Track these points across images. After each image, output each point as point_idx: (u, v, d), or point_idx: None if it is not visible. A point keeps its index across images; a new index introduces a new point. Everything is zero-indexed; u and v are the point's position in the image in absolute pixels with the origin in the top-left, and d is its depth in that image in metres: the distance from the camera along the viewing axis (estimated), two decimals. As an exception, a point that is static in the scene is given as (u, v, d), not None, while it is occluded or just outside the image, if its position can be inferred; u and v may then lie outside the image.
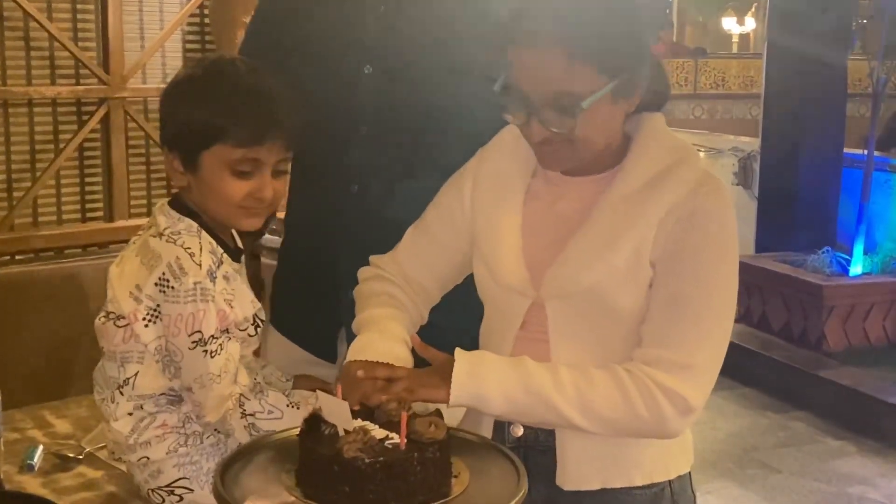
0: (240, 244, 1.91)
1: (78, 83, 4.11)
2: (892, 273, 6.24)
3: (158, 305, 1.74)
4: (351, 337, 1.81)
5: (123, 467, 1.91)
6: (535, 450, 1.69)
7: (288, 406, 1.80)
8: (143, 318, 1.76)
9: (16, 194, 3.98)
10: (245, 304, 1.83)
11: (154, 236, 1.78)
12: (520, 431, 1.71)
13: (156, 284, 1.74)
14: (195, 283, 1.73)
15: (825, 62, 6.54)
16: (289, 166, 1.85)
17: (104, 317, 1.81)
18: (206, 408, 1.77)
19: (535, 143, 1.62)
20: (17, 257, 3.94)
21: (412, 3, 2.01)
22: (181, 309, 1.72)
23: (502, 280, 1.70)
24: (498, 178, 1.75)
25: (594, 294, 1.62)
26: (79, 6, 4.04)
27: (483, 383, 1.59)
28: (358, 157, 2.02)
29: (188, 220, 1.80)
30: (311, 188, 2.11)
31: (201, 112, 1.76)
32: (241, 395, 1.78)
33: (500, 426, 1.72)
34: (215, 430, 1.82)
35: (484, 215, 1.75)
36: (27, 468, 1.95)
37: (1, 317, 2.57)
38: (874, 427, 5.13)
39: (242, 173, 1.77)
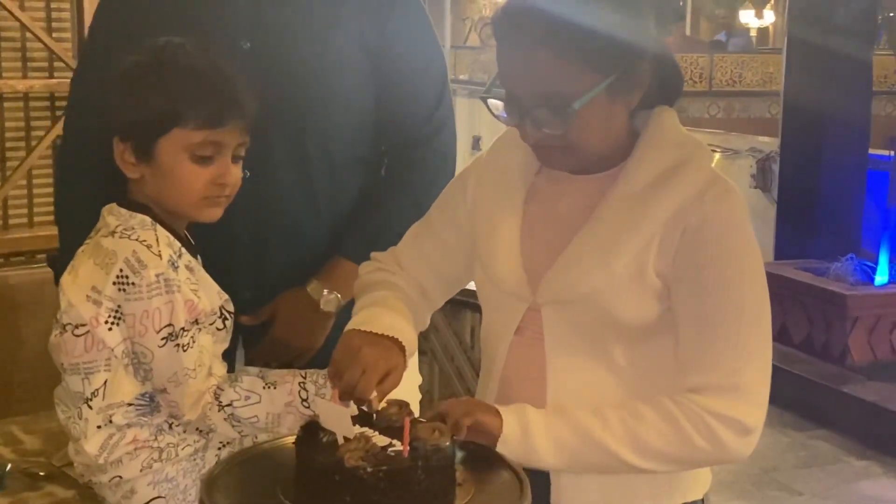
0: (191, 240, 1.90)
1: (51, 76, 4.10)
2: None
3: (120, 306, 1.74)
4: (248, 345, 1.87)
5: (95, 489, 1.90)
6: (532, 471, 1.65)
7: (264, 388, 1.80)
8: (106, 322, 1.75)
9: (-16, 195, 3.97)
10: (211, 294, 1.84)
11: (105, 236, 1.78)
12: None
13: (114, 283, 1.73)
14: (157, 275, 1.73)
15: (849, 57, 6.55)
16: (244, 151, 1.85)
17: (60, 331, 1.80)
18: (184, 406, 1.77)
19: (531, 145, 1.63)
20: (-13, 263, 3.93)
21: None
22: (146, 305, 1.72)
23: (498, 282, 1.71)
24: (501, 176, 1.75)
25: (592, 301, 1.61)
26: (53, -5, 4.03)
27: (531, 434, 1.58)
28: None
29: (140, 216, 1.80)
30: None
31: (156, 97, 1.76)
32: (216, 386, 1.79)
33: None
34: (197, 429, 1.82)
35: (484, 214, 1.75)
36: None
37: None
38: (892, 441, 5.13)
39: (203, 158, 1.78)
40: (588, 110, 1.54)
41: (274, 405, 1.78)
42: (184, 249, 1.83)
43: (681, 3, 13.37)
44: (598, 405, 1.61)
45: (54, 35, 4.06)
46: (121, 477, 1.79)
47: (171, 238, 1.80)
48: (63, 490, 1.96)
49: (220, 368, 1.84)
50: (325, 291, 2.09)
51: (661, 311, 1.62)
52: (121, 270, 1.72)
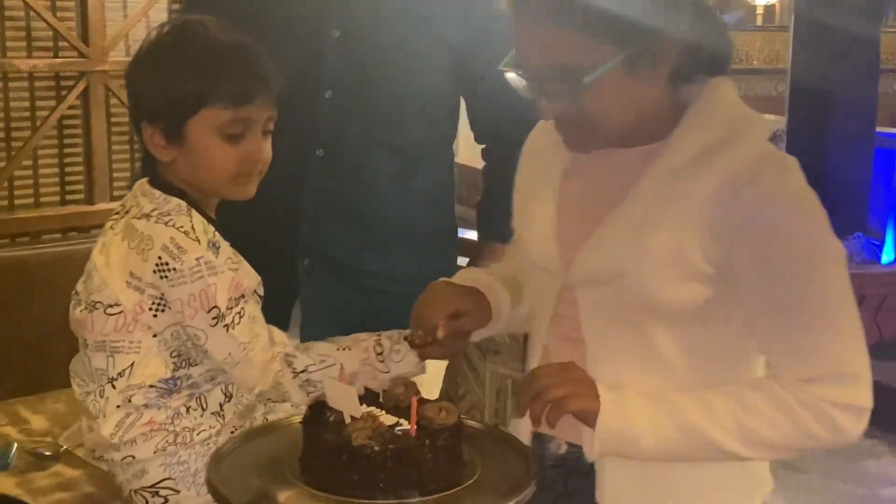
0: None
1: (56, 56, 4.10)
2: (927, 261, 6.23)
3: (163, 294, 1.74)
4: (307, 312, 1.99)
5: (104, 466, 1.91)
6: (577, 471, 1.65)
7: (339, 350, 1.81)
8: (150, 308, 1.75)
9: (-11, 175, 3.98)
10: (250, 274, 1.83)
11: (139, 218, 1.77)
12: (562, 449, 1.67)
13: (154, 272, 1.73)
14: (198, 259, 1.72)
15: (856, 35, 6.52)
16: (273, 125, 1.84)
17: (87, 307, 1.80)
18: (252, 379, 1.79)
19: (548, 120, 1.59)
20: (-9, 243, 3.94)
21: None
22: (190, 289, 1.72)
23: (530, 255, 1.68)
24: (543, 149, 1.71)
25: (626, 282, 1.53)
26: (57, -26, 4.02)
27: (631, 426, 1.51)
28: (323, 121, 2.14)
29: (176, 200, 1.78)
30: (274, 152, 2.15)
31: (182, 78, 1.74)
32: (285, 353, 1.80)
33: (542, 441, 1.68)
34: (269, 399, 1.86)
35: (525, 187, 1.74)
36: (1, 467, 1.95)
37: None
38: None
39: (233, 136, 1.77)
40: (602, 85, 1.47)
41: (350, 364, 1.78)
42: (217, 233, 1.81)
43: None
44: (659, 391, 1.53)
45: (58, 15, 4.06)
46: (133, 457, 1.79)
47: (206, 223, 1.79)
48: (70, 470, 1.96)
49: (281, 336, 1.85)
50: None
51: (710, 296, 1.52)
52: (160, 258, 1.72)
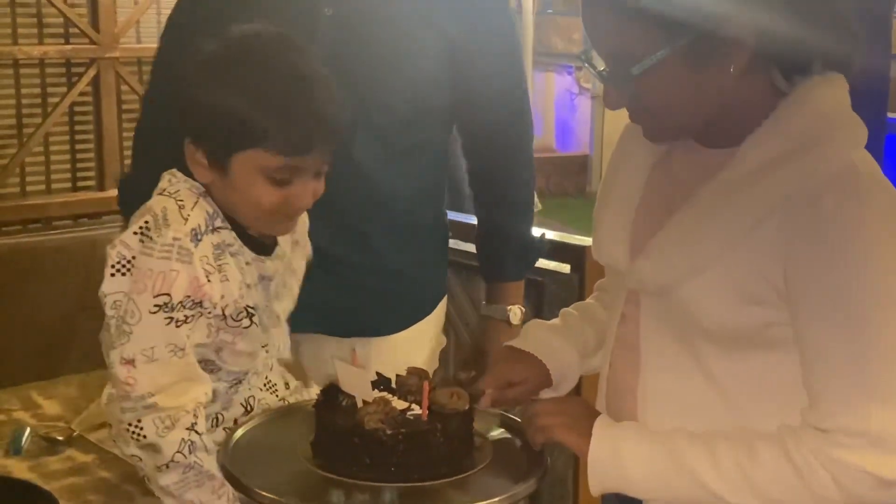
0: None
1: (67, 42, 4.10)
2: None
3: (134, 257, 1.60)
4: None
5: (117, 451, 1.91)
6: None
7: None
8: (112, 266, 1.61)
9: (1, 161, 3.99)
10: (232, 288, 1.66)
11: (157, 192, 1.69)
12: None
13: (135, 233, 1.61)
14: (174, 239, 1.58)
15: (867, 18, 6.48)
16: (327, 167, 1.67)
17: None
18: (157, 389, 1.58)
19: (614, 108, 1.48)
20: (2, 228, 3.94)
21: None
22: (152, 264, 1.57)
23: (600, 255, 1.60)
24: (636, 138, 1.56)
25: (673, 296, 1.43)
26: (67, -39, 4.03)
27: (625, 462, 1.45)
28: None
29: (193, 181, 1.67)
30: None
31: (236, 107, 1.56)
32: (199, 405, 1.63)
33: None
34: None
35: (609, 178, 1.63)
36: (13, 452, 1.95)
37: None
38: None
39: (280, 181, 1.61)
40: (657, 75, 1.37)
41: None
42: (229, 233, 1.67)
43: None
44: (704, 425, 1.43)
45: (69, 1, 4.05)
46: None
47: (211, 214, 1.66)
48: (82, 455, 1.96)
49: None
50: (508, 308, 2.25)
51: (772, 321, 1.39)
52: (146, 221, 1.60)
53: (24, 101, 4.02)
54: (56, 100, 4.10)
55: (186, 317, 1.59)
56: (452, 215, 3.08)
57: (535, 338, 1.74)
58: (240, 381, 1.78)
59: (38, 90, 4.08)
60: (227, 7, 2.06)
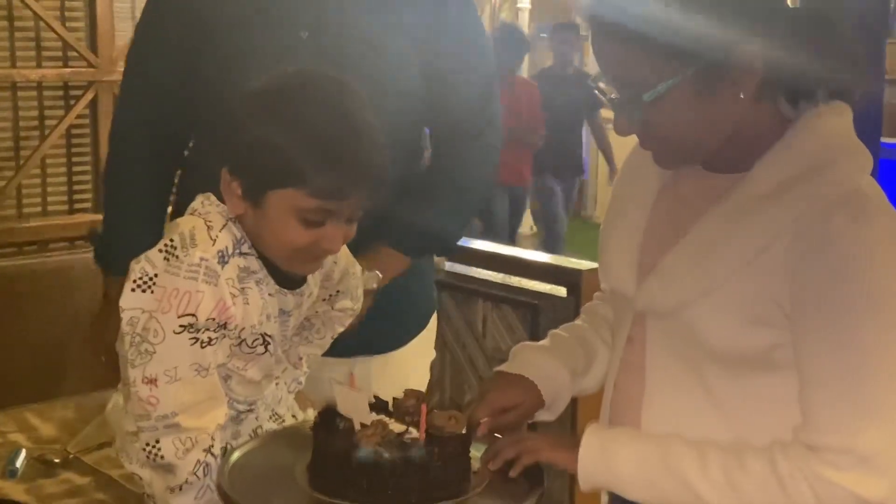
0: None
1: (65, 66, 4.10)
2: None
3: (156, 274, 1.59)
4: None
5: (113, 473, 1.91)
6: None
7: None
8: (134, 280, 1.60)
9: (-2, 184, 3.99)
10: (252, 312, 1.66)
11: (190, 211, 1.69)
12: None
13: (160, 250, 1.60)
14: (201, 259, 1.57)
15: (861, 45, 6.51)
16: (361, 212, 1.67)
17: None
18: (181, 409, 1.58)
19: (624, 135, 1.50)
20: (-1, 251, 3.95)
21: None
22: (178, 283, 1.56)
23: (609, 280, 1.62)
24: (642, 165, 1.59)
25: (682, 318, 1.46)
26: (66, -16, 4.04)
27: (615, 459, 1.49)
28: None
29: (226, 207, 1.65)
30: None
31: (281, 144, 1.56)
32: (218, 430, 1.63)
33: None
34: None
35: (615, 205, 1.66)
36: (9, 474, 1.95)
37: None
38: None
39: (313, 223, 1.60)
40: (667, 102, 1.39)
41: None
42: (256, 261, 1.67)
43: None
44: (701, 440, 1.46)
45: (67, 25, 4.06)
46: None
47: (237, 239, 1.65)
48: (79, 477, 1.96)
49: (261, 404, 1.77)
50: (367, 270, 2.10)
51: (773, 342, 1.42)
52: (171, 240, 1.60)
53: (22, 124, 4.02)
54: (54, 122, 4.10)
55: (210, 338, 1.59)
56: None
57: (524, 360, 1.74)
58: (251, 411, 1.78)
59: (35, 113, 4.08)
60: (208, 29, 2.07)
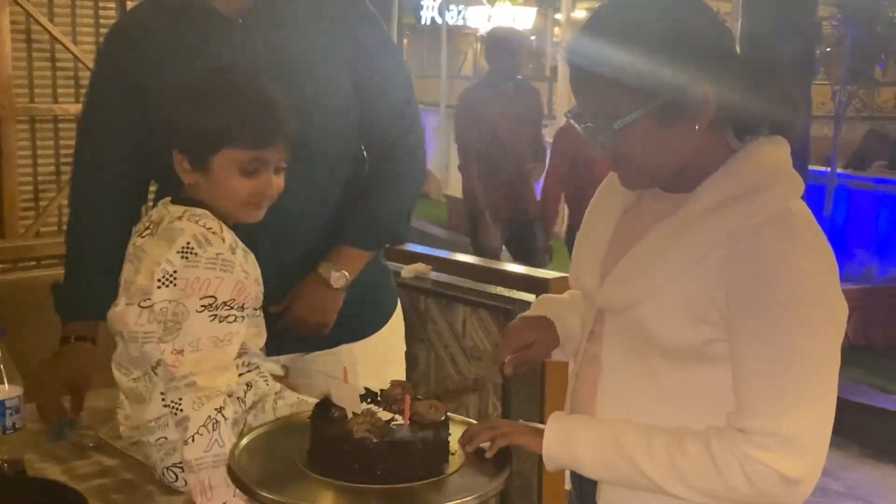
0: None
1: (100, 101, 4.09)
2: (853, 281, 6.24)
3: (176, 271, 1.72)
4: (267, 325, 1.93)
5: (139, 456, 1.90)
6: (582, 478, 1.59)
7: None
8: (159, 280, 1.72)
9: (42, 203, 3.97)
10: (254, 289, 1.82)
11: (171, 222, 1.77)
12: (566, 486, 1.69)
13: (178, 252, 1.72)
14: (217, 254, 1.73)
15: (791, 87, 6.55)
16: (285, 163, 1.86)
17: (124, 304, 1.79)
18: (198, 371, 1.69)
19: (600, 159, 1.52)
20: (43, 261, 3.93)
21: None
22: (199, 273, 1.72)
23: (575, 278, 1.66)
24: (612, 189, 1.64)
25: (634, 314, 1.48)
26: (101, 30, 4.03)
27: (575, 443, 1.50)
28: None
29: (202, 210, 1.80)
30: None
31: (212, 120, 1.78)
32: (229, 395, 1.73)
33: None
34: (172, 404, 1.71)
35: (588, 221, 1.68)
36: (56, 437, 1.99)
37: (28, 315, 2.58)
38: (836, 422, 5.09)
39: (249, 172, 1.80)
40: (633, 131, 1.42)
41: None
42: (238, 240, 1.83)
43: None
44: (649, 425, 1.47)
45: (103, 65, 4.06)
46: (166, 438, 1.78)
47: (228, 228, 1.82)
48: (109, 459, 1.96)
49: (270, 367, 1.88)
50: (334, 271, 2.11)
51: (710, 337, 1.43)
52: (187, 243, 1.73)
53: (62, 152, 4.01)
54: (90, 151, 4.09)
55: (228, 315, 1.73)
56: (427, 250, 3.10)
57: (542, 303, 1.79)
58: (258, 367, 1.89)
59: (73, 142, 4.08)
60: (149, 92, 2.02)
